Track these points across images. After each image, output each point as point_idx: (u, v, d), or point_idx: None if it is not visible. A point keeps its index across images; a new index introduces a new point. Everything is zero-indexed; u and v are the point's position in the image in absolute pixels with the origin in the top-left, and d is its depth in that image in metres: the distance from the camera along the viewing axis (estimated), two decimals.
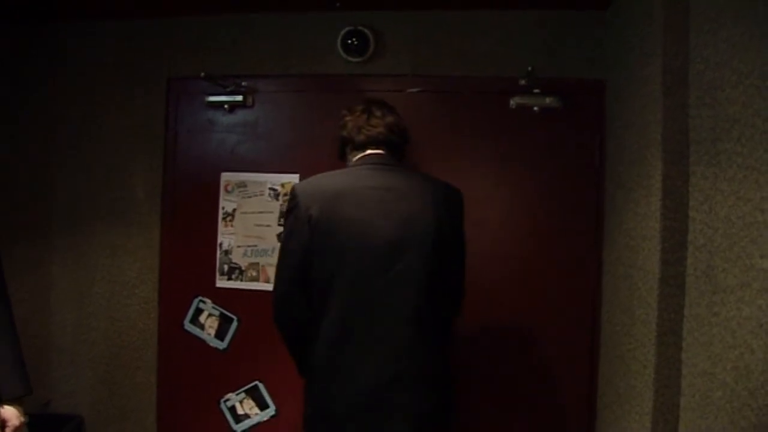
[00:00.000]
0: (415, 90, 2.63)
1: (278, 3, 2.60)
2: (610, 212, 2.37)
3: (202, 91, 2.72)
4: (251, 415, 2.70)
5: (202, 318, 2.73)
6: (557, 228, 2.54)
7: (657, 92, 1.80)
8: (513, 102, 2.52)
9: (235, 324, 2.71)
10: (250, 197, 2.71)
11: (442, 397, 1.90)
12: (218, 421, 2.71)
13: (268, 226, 2.66)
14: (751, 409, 1.28)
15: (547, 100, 2.48)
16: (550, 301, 2.54)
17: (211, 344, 2.72)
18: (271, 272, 2.60)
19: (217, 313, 2.72)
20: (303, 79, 2.71)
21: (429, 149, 2.59)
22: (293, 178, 2.64)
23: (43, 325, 2.83)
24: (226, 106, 2.72)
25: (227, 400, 2.71)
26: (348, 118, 2.11)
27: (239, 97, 2.69)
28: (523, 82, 2.43)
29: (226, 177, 2.73)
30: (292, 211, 1.92)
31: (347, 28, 2.59)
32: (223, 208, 2.73)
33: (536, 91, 2.47)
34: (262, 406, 2.69)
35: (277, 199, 2.68)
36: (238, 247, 2.71)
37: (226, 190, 2.73)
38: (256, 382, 2.69)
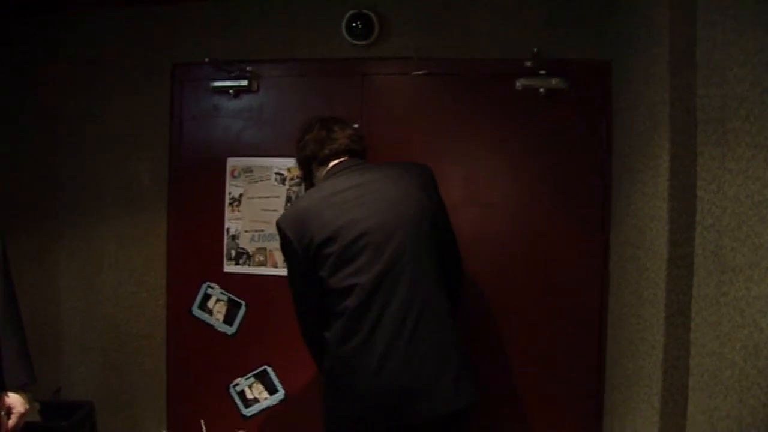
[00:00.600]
0: (420, 72, 2.61)
1: None
2: (617, 193, 2.36)
3: (206, 77, 2.72)
4: (260, 400, 2.72)
5: (210, 303, 2.74)
6: (564, 210, 2.53)
7: (664, 72, 1.79)
8: (519, 83, 2.51)
9: (243, 309, 2.72)
10: (256, 182, 2.71)
11: (463, 368, 1.90)
12: (228, 406, 2.73)
13: (275, 210, 2.66)
14: (760, 388, 1.28)
15: (553, 81, 2.47)
16: (557, 283, 2.54)
17: (220, 330, 2.74)
18: (279, 257, 2.61)
19: (225, 298, 2.73)
20: (308, 63, 2.70)
21: (434, 132, 2.58)
22: None
23: (52, 314, 2.85)
24: (231, 91, 2.71)
25: (236, 384, 2.73)
26: (308, 137, 2.15)
27: (244, 82, 2.69)
28: (528, 63, 2.41)
29: (232, 162, 2.73)
30: (284, 246, 1.99)
31: (352, 11, 2.57)
32: (229, 193, 2.73)
33: (542, 72, 2.46)
34: (272, 390, 2.71)
35: (284, 184, 2.68)
36: (246, 232, 2.71)
37: (233, 176, 2.73)
38: (265, 367, 2.71)
